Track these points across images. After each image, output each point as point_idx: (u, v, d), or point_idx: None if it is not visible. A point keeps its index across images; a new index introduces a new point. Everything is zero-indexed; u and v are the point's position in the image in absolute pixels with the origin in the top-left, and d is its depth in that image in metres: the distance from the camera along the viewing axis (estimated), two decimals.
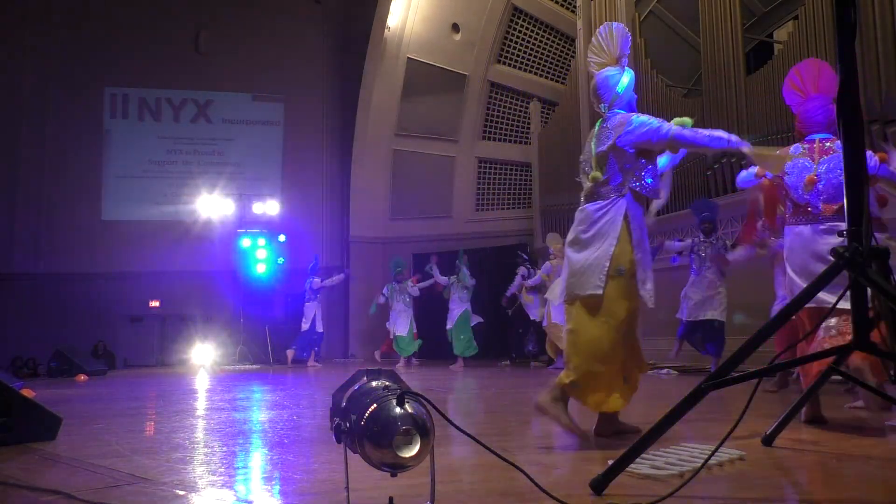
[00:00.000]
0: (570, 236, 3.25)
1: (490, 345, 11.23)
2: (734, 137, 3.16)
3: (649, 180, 3.19)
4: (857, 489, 2.08)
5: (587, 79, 10.51)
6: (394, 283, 10.77)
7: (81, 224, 13.43)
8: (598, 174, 3.19)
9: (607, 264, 3.04)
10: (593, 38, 3.42)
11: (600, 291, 3.02)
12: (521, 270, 10.22)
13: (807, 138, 3.59)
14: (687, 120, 3.19)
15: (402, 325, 10.60)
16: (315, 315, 11.29)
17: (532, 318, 10.08)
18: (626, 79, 3.26)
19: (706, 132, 3.17)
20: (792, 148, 3.62)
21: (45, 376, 10.29)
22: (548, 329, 9.51)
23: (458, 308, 10.25)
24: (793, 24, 7.91)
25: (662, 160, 3.41)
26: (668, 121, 3.18)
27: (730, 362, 1.97)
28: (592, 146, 3.25)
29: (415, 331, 10.77)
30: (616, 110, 3.23)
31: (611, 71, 3.29)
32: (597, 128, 3.29)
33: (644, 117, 3.15)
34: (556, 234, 10.29)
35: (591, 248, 3.11)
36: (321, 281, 11.42)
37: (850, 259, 1.90)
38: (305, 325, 11.32)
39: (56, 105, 13.54)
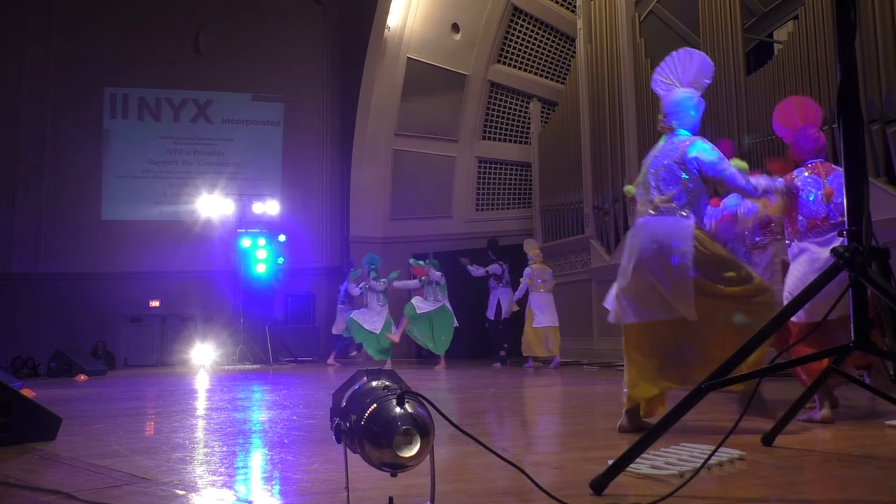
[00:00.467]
0: (635, 253, 3.19)
1: (491, 345, 11.23)
2: (762, 185, 3.43)
3: (703, 209, 3.27)
4: (857, 489, 2.08)
5: (588, 78, 10.56)
6: (369, 281, 10.25)
7: (81, 224, 13.43)
8: (631, 188, 3.34)
9: (690, 285, 3.03)
10: (667, 59, 3.52)
11: (696, 315, 3.01)
12: (494, 267, 10.18)
13: (805, 163, 3.76)
14: (744, 165, 3.47)
15: (377, 325, 10.02)
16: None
17: (491, 315, 10.17)
18: (698, 105, 3.39)
19: (752, 181, 3.34)
20: (795, 171, 3.76)
21: (45, 376, 10.29)
22: (528, 330, 9.52)
23: (432, 306, 9.75)
24: (793, 24, 7.91)
25: (730, 200, 3.54)
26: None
27: (730, 362, 1.97)
28: (651, 160, 3.35)
29: (394, 330, 10.09)
30: (682, 130, 3.34)
31: (685, 93, 3.38)
32: (662, 142, 3.39)
33: (708, 146, 3.26)
34: (532, 240, 10.30)
35: (666, 266, 3.08)
36: (357, 286, 11.10)
37: (850, 259, 1.90)
38: (337, 330, 11.11)
39: (56, 105, 13.54)
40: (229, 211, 13.41)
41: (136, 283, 13.07)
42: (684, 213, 3.15)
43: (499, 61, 13.41)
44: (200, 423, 3.95)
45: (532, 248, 9.90)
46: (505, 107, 13.61)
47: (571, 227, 10.97)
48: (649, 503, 1.77)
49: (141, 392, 6.68)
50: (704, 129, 8.41)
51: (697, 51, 3.50)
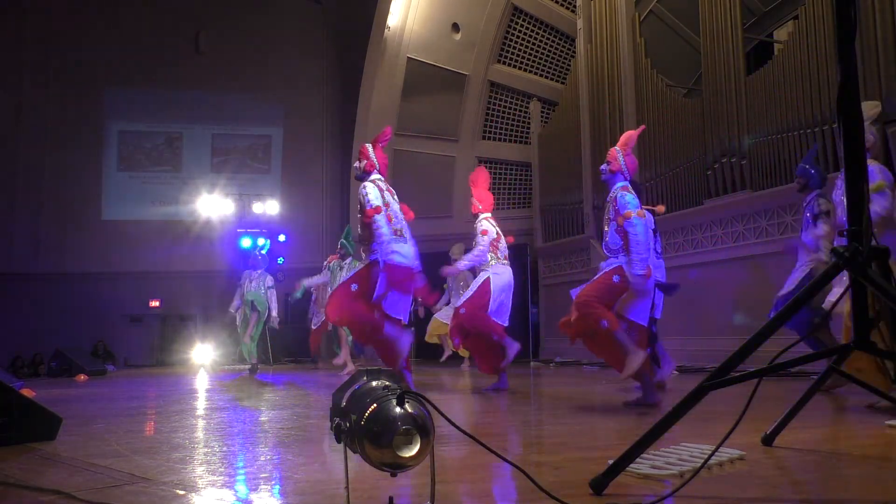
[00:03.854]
0: None
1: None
2: None
3: None
4: (857, 489, 2.07)
5: (588, 78, 10.55)
6: (339, 258, 8.72)
7: (81, 224, 13.44)
8: None
9: None
10: None
11: None
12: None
13: None
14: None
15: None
16: None
17: None
18: None
19: None
20: None
21: (45, 376, 10.30)
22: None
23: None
24: (793, 24, 7.91)
25: None
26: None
27: (730, 362, 1.97)
28: None
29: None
30: None
31: None
32: None
33: None
34: (460, 244, 10.06)
35: None
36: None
37: (850, 259, 1.89)
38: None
39: (56, 105, 13.54)
40: (229, 211, 13.42)
41: (136, 283, 13.08)
42: None
43: (499, 61, 13.41)
44: (200, 423, 3.95)
45: (458, 252, 9.91)
46: (505, 107, 13.60)
47: (571, 227, 10.96)
48: (649, 503, 1.77)
49: (141, 392, 6.68)
50: (704, 128, 8.43)
51: None
